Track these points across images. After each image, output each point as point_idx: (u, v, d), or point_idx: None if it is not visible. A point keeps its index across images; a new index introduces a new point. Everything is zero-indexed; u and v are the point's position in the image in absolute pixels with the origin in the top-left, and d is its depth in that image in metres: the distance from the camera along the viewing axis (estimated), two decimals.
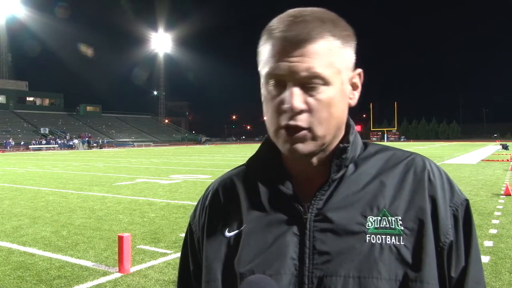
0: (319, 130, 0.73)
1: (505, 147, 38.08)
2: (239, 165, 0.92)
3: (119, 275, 4.87)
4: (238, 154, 34.91)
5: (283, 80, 0.72)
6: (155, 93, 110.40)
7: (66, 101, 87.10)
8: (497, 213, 8.14)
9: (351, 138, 0.79)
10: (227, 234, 0.81)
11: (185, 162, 25.04)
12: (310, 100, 0.71)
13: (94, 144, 59.51)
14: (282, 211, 0.78)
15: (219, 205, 0.86)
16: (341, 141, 0.79)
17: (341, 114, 0.75)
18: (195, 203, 0.95)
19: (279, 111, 0.73)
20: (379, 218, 0.74)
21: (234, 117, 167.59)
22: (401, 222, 0.74)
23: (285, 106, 0.71)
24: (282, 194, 0.79)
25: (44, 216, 8.36)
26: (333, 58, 0.72)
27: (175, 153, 39.31)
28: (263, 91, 0.77)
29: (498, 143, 53.95)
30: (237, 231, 0.80)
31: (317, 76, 0.71)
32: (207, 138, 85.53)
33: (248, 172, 0.86)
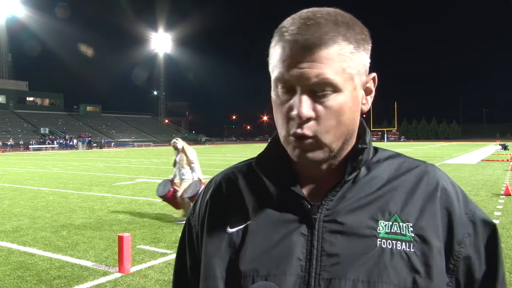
0: (326, 138, 0.71)
1: (504, 147, 38.08)
2: (242, 160, 0.91)
3: (119, 275, 4.87)
4: (238, 154, 34.85)
5: (293, 86, 0.70)
6: (155, 93, 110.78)
7: (66, 101, 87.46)
8: (497, 213, 8.15)
9: (367, 139, 0.78)
10: (229, 230, 0.79)
11: None
12: (319, 107, 0.70)
13: (94, 144, 59.50)
14: (290, 210, 0.76)
15: (221, 200, 0.84)
16: (358, 142, 0.77)
17: (352, 121, 0.73)
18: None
19: (288, 117, 0.71)
20: (390, 223, 0.73)
21: (234, 117, 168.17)
22: (412, 229, 0.73)
23: (293, 113, 0.69)
24: (291, 192, 0.77)
25: (44, 216, 8.36)
26: (346, 63, 0.69)
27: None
28: (272, 94, 0.75)
29: (498, 143, 53.91)
30: (240, 227, 0.78)
31: (327, 83, 0.68)
32: (207, 138, 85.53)
33: (256, 168, 0.83)
